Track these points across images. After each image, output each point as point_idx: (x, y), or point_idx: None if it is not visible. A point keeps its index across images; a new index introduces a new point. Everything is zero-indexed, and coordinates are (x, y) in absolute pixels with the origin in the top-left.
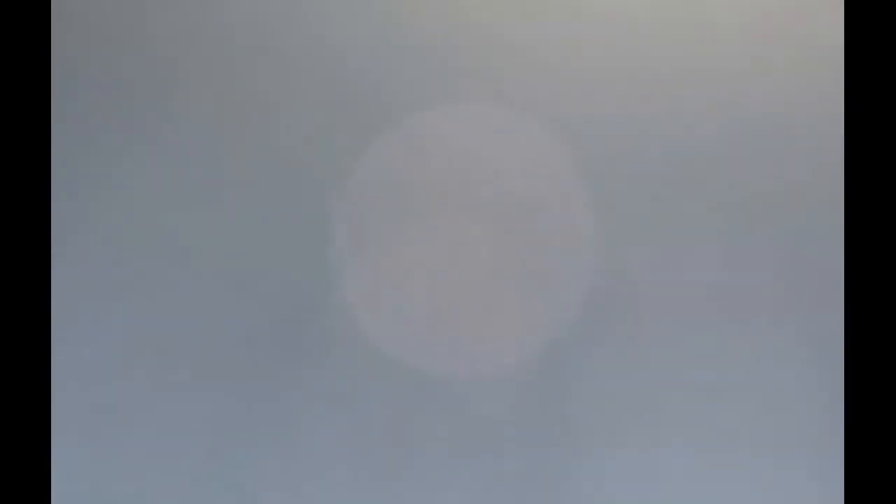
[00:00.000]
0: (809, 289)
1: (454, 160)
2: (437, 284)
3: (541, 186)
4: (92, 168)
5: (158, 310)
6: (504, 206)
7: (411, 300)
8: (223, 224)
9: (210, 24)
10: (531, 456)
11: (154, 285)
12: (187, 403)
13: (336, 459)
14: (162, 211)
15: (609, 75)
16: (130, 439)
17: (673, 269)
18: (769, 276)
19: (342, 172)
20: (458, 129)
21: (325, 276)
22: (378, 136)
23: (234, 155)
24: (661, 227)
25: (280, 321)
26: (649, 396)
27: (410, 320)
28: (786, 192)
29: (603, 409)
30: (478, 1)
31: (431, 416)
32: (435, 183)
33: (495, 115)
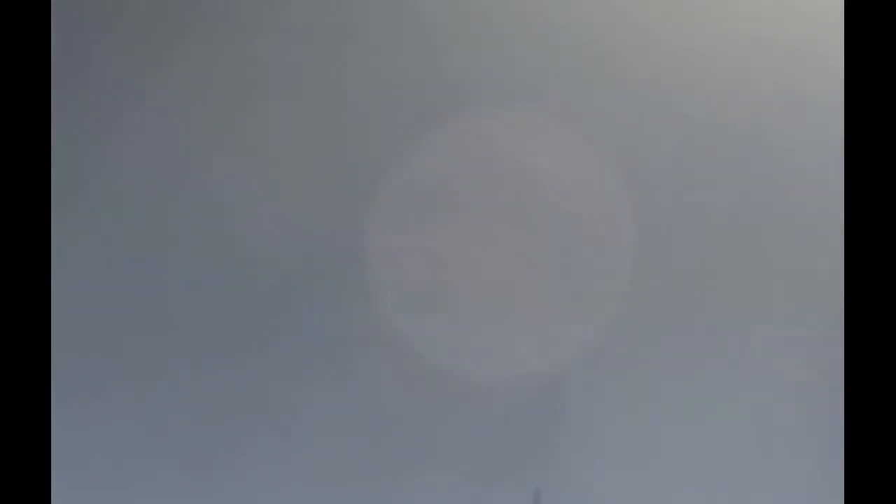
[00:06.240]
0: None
1: (489, 161)
2: (460, 276)
3: (575, 190)
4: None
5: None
6: (537, 208)
7: (437, 293)
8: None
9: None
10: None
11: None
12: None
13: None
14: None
15: (645, 82)
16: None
17: (690, 274)
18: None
19: (380, 166)
20: (497, 130)
21: (353, 259)
22: (417, 135)
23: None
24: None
25: (304, 305)
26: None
27: (434, 311)
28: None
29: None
30: (526, 5)
31: (448, 408)
32: (469, 182)
33: (534, 119)
